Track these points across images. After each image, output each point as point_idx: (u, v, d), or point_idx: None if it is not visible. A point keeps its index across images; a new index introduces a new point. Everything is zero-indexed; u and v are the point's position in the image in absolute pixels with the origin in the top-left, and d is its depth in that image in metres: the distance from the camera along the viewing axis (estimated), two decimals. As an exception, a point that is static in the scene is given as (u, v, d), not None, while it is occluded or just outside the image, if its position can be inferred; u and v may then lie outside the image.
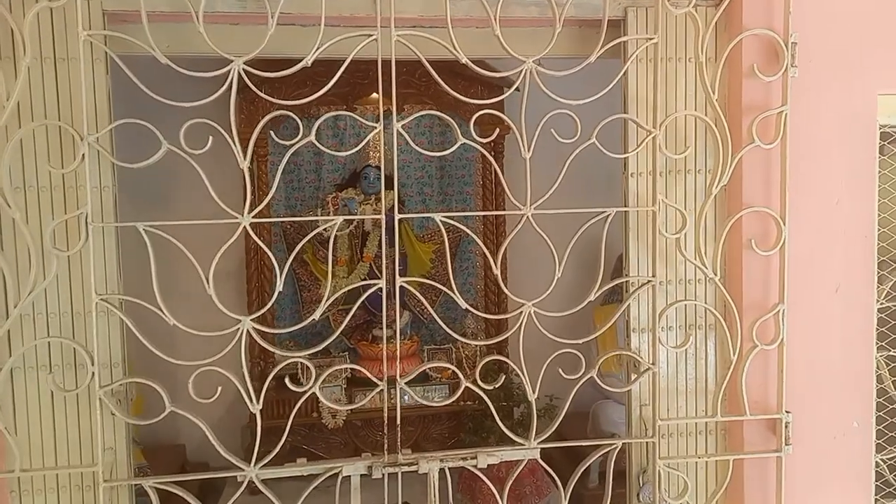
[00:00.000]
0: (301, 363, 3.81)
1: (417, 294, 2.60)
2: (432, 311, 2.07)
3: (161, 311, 1.78)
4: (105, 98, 1.88)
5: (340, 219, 1.84)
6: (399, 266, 4.32)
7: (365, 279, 3.90)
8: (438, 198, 4.82)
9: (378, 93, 1.82)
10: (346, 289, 2.12)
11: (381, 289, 1.86)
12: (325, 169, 4.61)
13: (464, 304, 1.90)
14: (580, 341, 1.91)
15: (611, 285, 2.02)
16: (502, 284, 1.94)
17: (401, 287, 1.93)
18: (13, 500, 1.89)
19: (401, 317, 4.30)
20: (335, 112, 1.97)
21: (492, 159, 1.89)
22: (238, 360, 1.83)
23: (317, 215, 4.30)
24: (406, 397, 3.44)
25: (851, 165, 2.06)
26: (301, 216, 4.42)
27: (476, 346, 4.35)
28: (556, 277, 1.88)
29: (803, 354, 2.06)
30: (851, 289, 2.08)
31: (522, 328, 1.88)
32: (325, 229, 3.56)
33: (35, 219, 1.86)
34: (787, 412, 2.03)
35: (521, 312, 1.89)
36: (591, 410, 4.40)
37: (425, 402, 2.10)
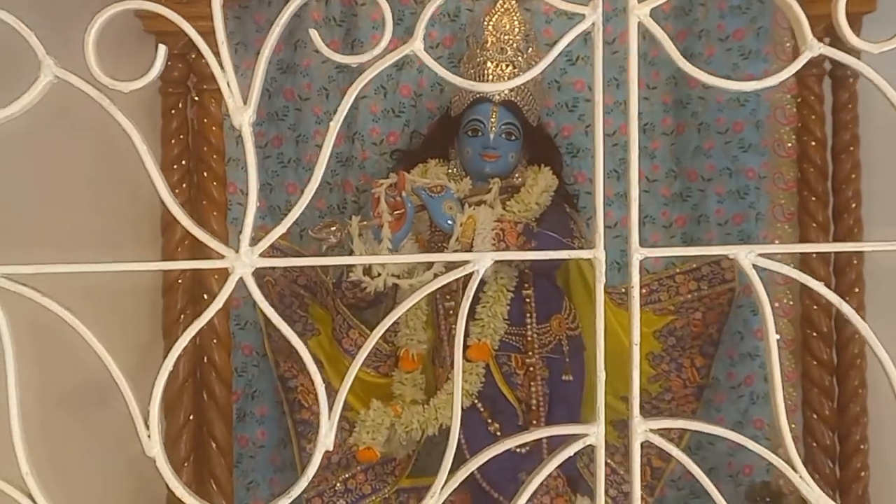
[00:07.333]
0: None
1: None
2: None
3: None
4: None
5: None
6: (568, 375, 1.75)
7: (475, 410, 1.70)
8: (669, 187, 1.98)
9: None
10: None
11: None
12: (364, 112, 1.91)
13: None
14: None
15: None
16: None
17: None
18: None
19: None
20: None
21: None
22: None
23: (338, 230, 1.66)
24: None
25: None
26: (306, 243, 1.89)
27: None
28: None
29: None
30: None
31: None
32: (362, 279, 1.66)
33: None
34: None
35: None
36: None
37: None
